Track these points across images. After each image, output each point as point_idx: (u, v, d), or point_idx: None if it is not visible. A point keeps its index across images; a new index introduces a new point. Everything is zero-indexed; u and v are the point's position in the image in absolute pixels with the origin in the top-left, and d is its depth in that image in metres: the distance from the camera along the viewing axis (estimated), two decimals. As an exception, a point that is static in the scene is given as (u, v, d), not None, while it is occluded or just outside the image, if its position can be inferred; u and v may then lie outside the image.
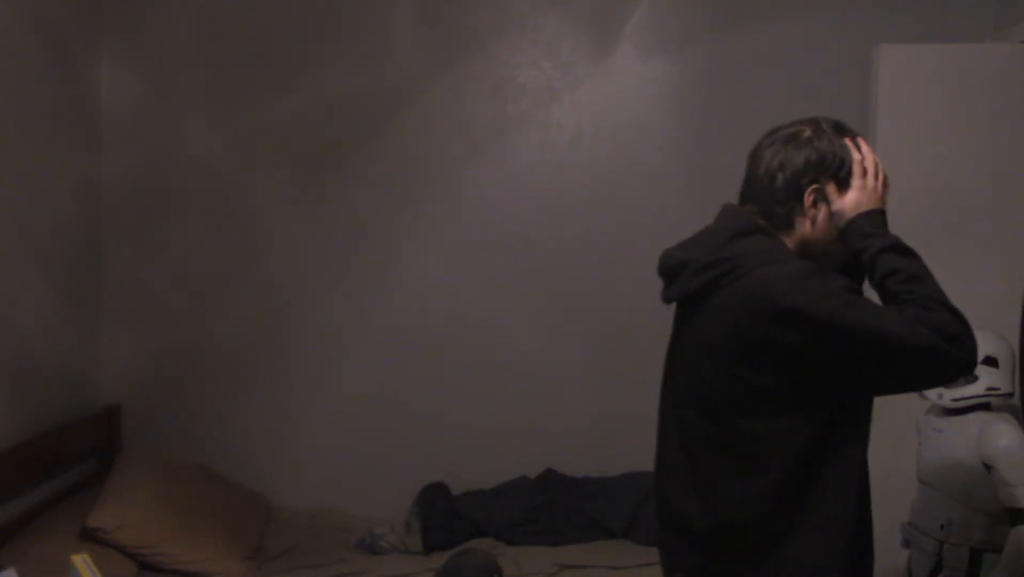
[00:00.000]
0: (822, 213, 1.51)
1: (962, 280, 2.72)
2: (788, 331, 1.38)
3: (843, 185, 1.51)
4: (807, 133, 1.54)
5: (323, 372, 3.24)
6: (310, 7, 3.19)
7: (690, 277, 1.51)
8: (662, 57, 3.17)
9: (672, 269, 1.57)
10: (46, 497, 2.79)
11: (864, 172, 1.52)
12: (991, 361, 2.27)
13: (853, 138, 1.56)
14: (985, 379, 2.26)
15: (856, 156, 1.53)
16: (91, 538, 2.50)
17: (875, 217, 1.50)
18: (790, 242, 1.52)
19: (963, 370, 1.39)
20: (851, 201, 1.50)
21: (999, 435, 2.18)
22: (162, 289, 3.22)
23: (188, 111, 3.20)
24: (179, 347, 3.23)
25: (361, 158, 3.21)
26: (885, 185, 1.55)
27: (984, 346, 2.27)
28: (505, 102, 3.20)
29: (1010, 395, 2.29)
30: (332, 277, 3.23)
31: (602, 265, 3.17)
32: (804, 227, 1.52)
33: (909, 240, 1.52)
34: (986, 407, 2.29)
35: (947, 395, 2.28)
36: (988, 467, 2.19)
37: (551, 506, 2.98)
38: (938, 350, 1.34)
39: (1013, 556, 2.13)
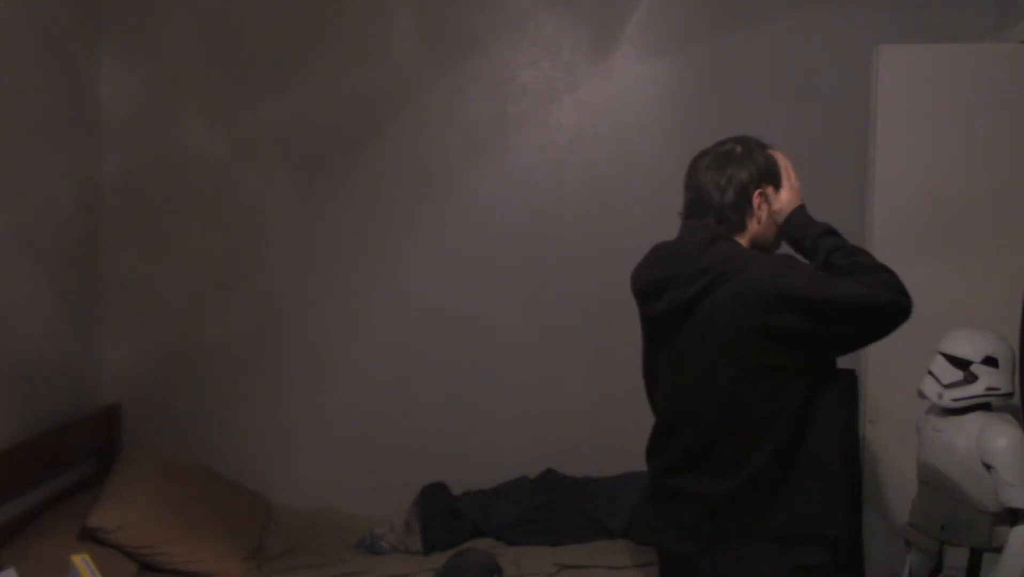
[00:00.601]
0: (765, 212, 1.82)
1: (962, 280, 2.74)
2: (786, 313, 1.64)
3: (777, 186, 1.83)
4: (739, 150, 1.84)
5: (323, 372, 3.24)
6: (310, 7, 3.19)
7: (683, 287, 1.73)
8: (662, 57, 3.17)
9: (657, 284, 1.80)
10: (46, 497, 2.79)
11: (788, 175, 1.84)
12: (991, 361, 2.27)
13: (770, 148, 1.88)
14: (985, 379, 2.26)
15: (782, 162, 1.85)
16: (91, 538, 2.50)
17: (803, 210, 1.83)
18: (744, 240, 1.81)
19: (908, 315, 1.67)
20: (785, 200, 1.83)
21: (999, 435, 2.18)
22: (162, 289, 3.22)
23: (188, 111, 3.20)
24: (179, 347, 3.23)
25: (361, 158, 3.21)
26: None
27: (984, 346, 2.28)
28: (505, 102, 3.20)
29: (1010, 395, 2.29)
30: (332, 277, 3.23)
31: (602, 265, 3.17)
32: (754, 225, 1.83)
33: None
34: (986, 407, 2.29)
35: (947, 395, 2.28)
36: (988, 467, 2.19)
37: (551, 506, 2.98)
38: (894, 302, 1.64)
39: (1013, 556, 2.13)
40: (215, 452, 3.17)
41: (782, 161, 1.85)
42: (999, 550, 2.18)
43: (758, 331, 1.66)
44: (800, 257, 1.82)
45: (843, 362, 3.05)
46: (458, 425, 3.22)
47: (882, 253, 2.77)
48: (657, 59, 3.18)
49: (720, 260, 1.71)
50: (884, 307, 1.63)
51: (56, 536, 2.49)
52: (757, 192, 1.81)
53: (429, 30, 3.20)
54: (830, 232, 1.77)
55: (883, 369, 2.79)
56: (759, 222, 1.82)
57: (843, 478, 1.75)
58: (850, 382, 3.07)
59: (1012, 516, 2.18)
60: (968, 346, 2.30)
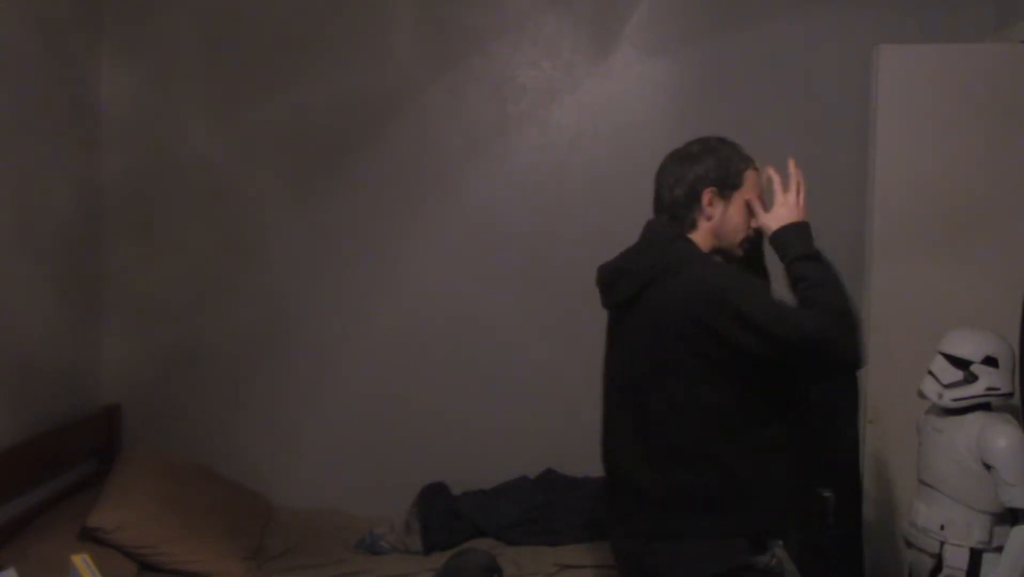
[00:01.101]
0: (719, 212, 1.85)
1: (962, 280, 2.74)
2: (721, 318, 1.68)
3: (731, 187, 1.85)
4: (696, 149, 1.89)
5: (323, 372, 3.24)
6: (310, 7, 3.19)
7: (631, 280, 1.84)
8: (662, 57, 3.17)
9: (610, 277, 1.93)
10: (46, 497, 2.79)
11: (786, 189, 1.84)
12: (991, 361, 2.27)
13: (750, 160, 1.90)
14: (985, 379, 2.26)
15: (775, 177, 1.86)
16: (91, 538, 2.49)
17: (796, 228, 1.80)
18: (698, 237, 1.86)
19: (836, 368, 1.73)
20: (773, 215, 1.83)
21: (999, 435, 2.18)
22: (162, 289, 3.22)
23: (188, 111, 3.20)
24: (179, 347, 3.23)
25: (361, 158, 3.21)
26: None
27: (984, 346, 2.28)
28: (505, 102, 3.20)
29: (1010, 395, 2.29)
30: (332, 277, 3.23)
31: (602, 265, 3.17)
32: (704, 223, 1.86)
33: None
34: (986, 407, 2.29)
35: (947, 395, 2.28)
36: (988, 467, 2.19)
37: (551, 506, 2.97)
38: (819, 347, 1.63)
39: (1013, 556, 2.13)
40: (215, 452, 3.16)
41: (776, 177, 1.87)
42: (999, 550, 2.18)
43: (695, 322, 1.71)
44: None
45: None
46: (458, 425, 3.22)
47: (882, 253, 2.80)
48: (657, 59, 3.17)
49: (668, 256, 1.80)
50: (808, 347, 1.63)
51: (56, 536, 2.49)
52: (707, 191, 1.84)
53: (429, 30, 3.20)
54: (808, 257, 1.76)
55: (883, 369, 2.79)
56: (709, 220, 1.85)
57: (784, 500, 1.80)
58: (850, 382, 3.08)
59: (1012, 516, 2.18)
60: (968, 346, 2.30)
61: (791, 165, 1.88)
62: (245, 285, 3.23)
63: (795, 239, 1.79)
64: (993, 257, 2.73)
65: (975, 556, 2.22)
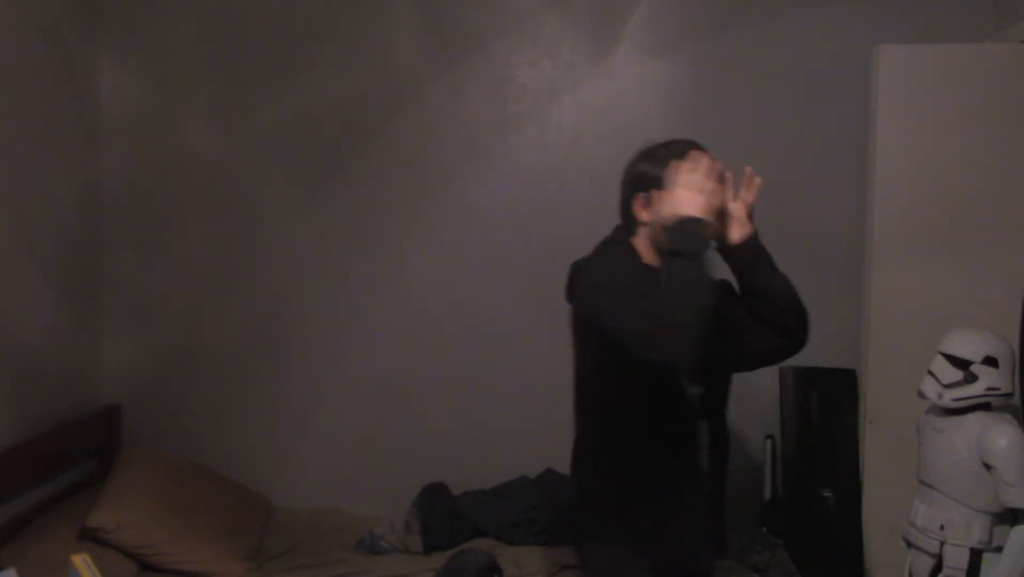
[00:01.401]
0: (650, 216, 1.80)
1: (962, 280, 2.74)
2: (584, 306, 1.79)
3: (656, 189, 1.78)
4: (635, 156, 1.86)
5: (323, 372, 3.24)
6: (310, 7, 3.19)
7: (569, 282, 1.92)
8: (662, 57, 3.17)
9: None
10: (46, 497, 2.80)
11: (685, 184, 1.73)
12: (991, 361, 2.27)
13: (684, 155, 1.77)
14: (985, 379, 2.26)
15: (684, 174, 1.74)
16: (91, 538, 2.50)
17: (684, 223, 1.69)
18: (640, 242, 1.84)
19: (660, 356, 1.69)
20: (667, 209, 1.73)
21: (999, 435, 2.18)
22: (162, 289, 3.22)
23: (188, 111, 3.20)
24: (179, 347, 3.23)
25: (361, 158, 3.21)
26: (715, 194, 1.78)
27: (984, 346, 2.28)
28: (505, 102, 3.20)
29: (1010, 395, 2.29)
30: (332, 277, 3.23)
31: (602, 265, 3.16)
32: (643, 229, 1.83)
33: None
34: (986, 407, 2.29)
35: (947, 395, 2.28)
36: (988, 467, 2.19)
37: (551, 506, 2.97)
38: (634, 342, 1.64)
39: (1013, 556, 2.13)
40: (215, 452, 3.17)
41: (681, 168, 1.74)
42: (999, 550, 2.18)
43: (580, 317, 1.81)
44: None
45: (843, 362, 3.06)
46: (458, 425, 3.22)
47: (882, 253, 2.80)
48: (657, 59, 3.17)
49: (590, 255, 1.87)
50: (625, 339, 1.65)
51: (56, 536, 2.50)
52: (638, 197, 1.82)
53: (429, 30, 3.20)
54: (678, 253, 1.68)
55: (883, 369, 2.79)
56: (644, 224, 1.82)
57: (699, 522, 1.82)
58: (849, 382, 3.08)
59: (1012, 516, 2.18)
60: (968, 346, 2.30)
61: (702, 158, 1.75)
62: (245, 285, 3.23)
63: (678, 231, 1.69)
64: (993, 257, 2.73)
65: (975, 556, 2.22)
